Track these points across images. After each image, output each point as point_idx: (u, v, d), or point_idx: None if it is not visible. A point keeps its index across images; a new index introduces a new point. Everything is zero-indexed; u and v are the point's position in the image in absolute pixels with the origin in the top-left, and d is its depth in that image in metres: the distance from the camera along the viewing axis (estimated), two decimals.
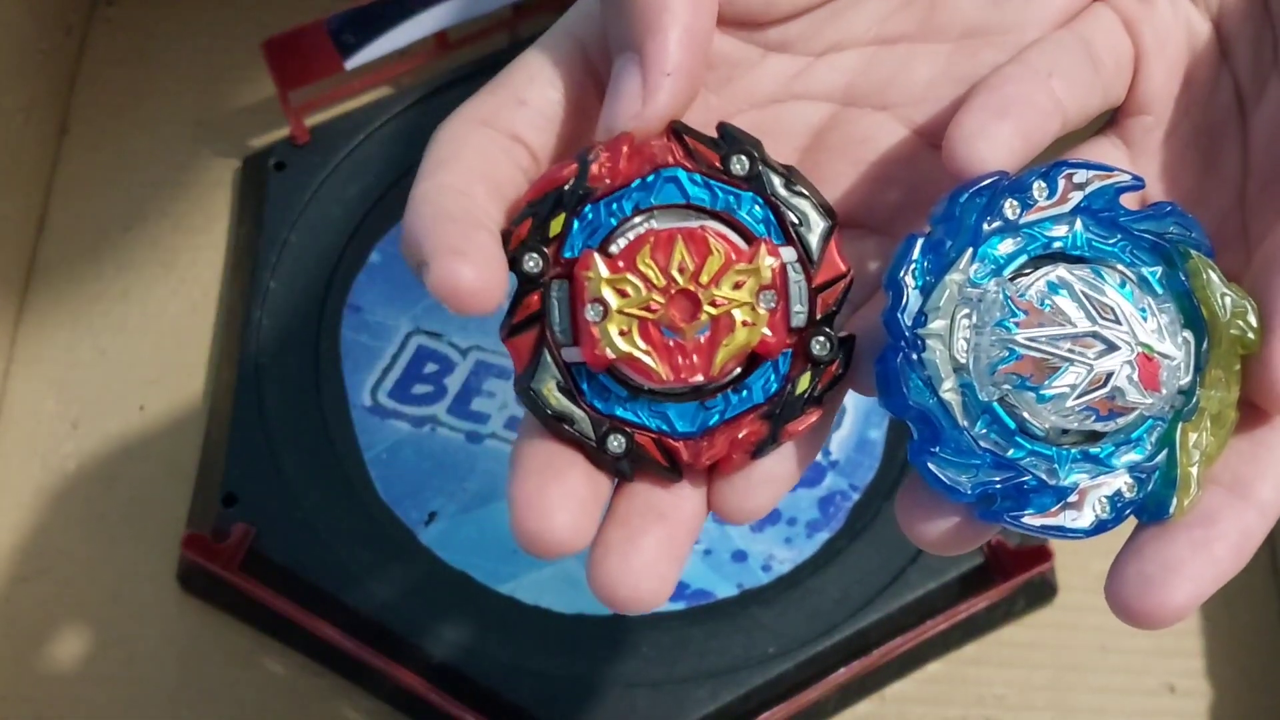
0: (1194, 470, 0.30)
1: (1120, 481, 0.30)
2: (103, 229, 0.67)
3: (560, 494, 0.29)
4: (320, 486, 0.58)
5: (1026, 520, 0.29)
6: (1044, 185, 0.31)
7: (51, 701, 0.57)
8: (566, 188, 0.30)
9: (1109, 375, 0.29)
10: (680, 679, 0.55)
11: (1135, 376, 0.30)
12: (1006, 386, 0.30)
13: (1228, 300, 0.30)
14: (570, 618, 0.56)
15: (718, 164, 0.30)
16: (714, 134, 0.31)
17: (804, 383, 0.30)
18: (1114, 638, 0.59)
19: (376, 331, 0.62)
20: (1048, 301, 0.30)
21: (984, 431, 0.30)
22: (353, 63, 0.65)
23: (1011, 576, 0.56)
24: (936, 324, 0.30)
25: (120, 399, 0.63)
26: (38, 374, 0.64)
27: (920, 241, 0.30)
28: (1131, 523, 0.30)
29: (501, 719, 0.54)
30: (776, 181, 0.30)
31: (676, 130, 0.30)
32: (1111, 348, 0.30)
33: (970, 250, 0.30)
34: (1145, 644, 0.59)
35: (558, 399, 0.30)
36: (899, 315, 0.29)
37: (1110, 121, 0.35)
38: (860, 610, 0.56)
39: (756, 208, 0.30)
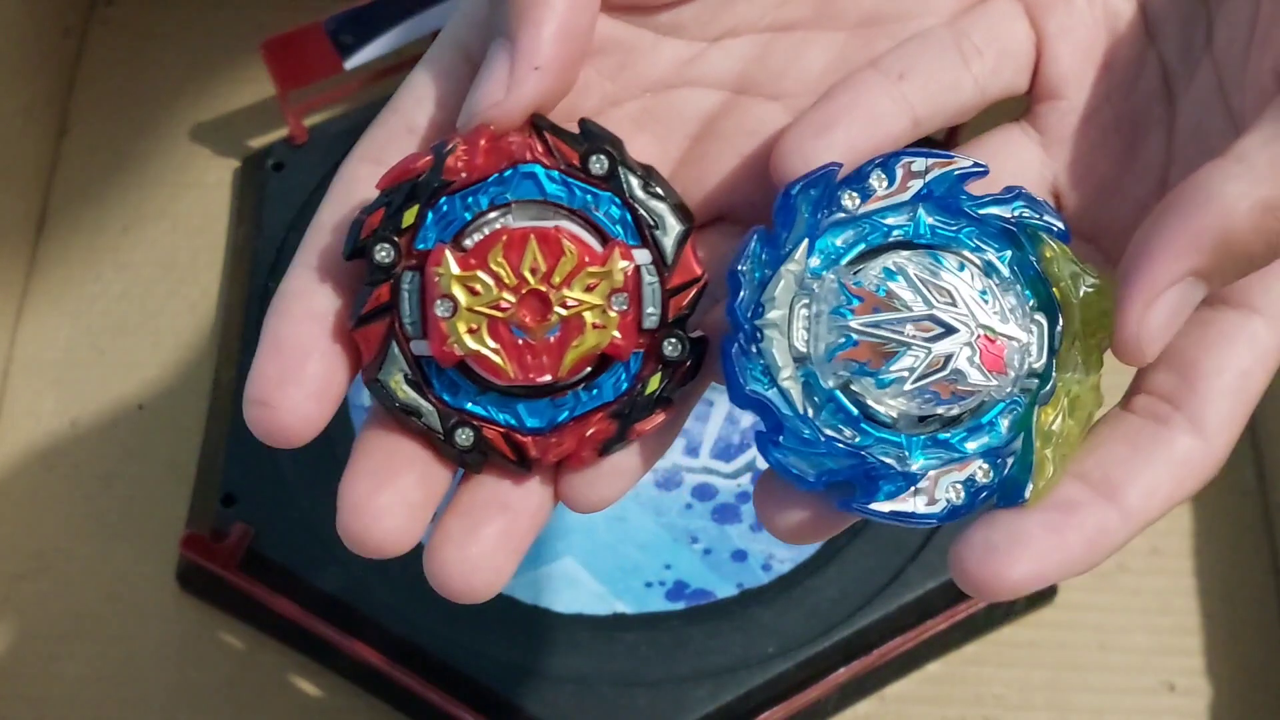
0: (1049, 453, 0.29)
1: (974, 467, 0.30)
2: (102, 229, 0.67)
3: (390, 499, 0.29)
4: (320, 486, 0.58)
5: (875, 508, 0.29)
6: (882, 175, 0.31)
7: (50, 701, 0.57)
8: (421, 178, 0.30)
9: (948, 358, 0.29)
10: (680, 679, 0.55)
11: (977, 359, 0.29)
12: (845, 373, 0.30)
13: (1081, 281, 0.30)
14: (570, 617, 0.56)
15: (577, 162, 0.30)
16: (584, 129, 0.31)
17: (654, 383, 0.31)
18: (1113, 636, 0.59)
19: None
20: (883, 287, 0.30)
21: (828, 419, 0.30)
22: (352, 63, 0.65)
23: None
24: (774, 314, 0.30)
25: (119, 398, 0.63)
26: (37, 374, 0.64)
27: (757, 234, 0.30)
28: None
29: (501, 718, 0.54)
30: (635, 183, 0.31)
31: (537, 125, 0.30)
32: (950, 330, 0.29)
33: (806, 242, 0.30)
34: (1145, 642, 0.59)
35: (405, 391, 0.30)
36: (737, 307, 0.30)
37: (1025, 109, 0.35)
38: (860, 610, 0.56)
39: (614, 208, 0.31)
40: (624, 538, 0.58)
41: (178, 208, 0.68)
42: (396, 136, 0.31)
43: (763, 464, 0.59)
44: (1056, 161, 0.34)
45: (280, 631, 0.57)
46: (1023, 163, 0.34)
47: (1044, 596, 0.59)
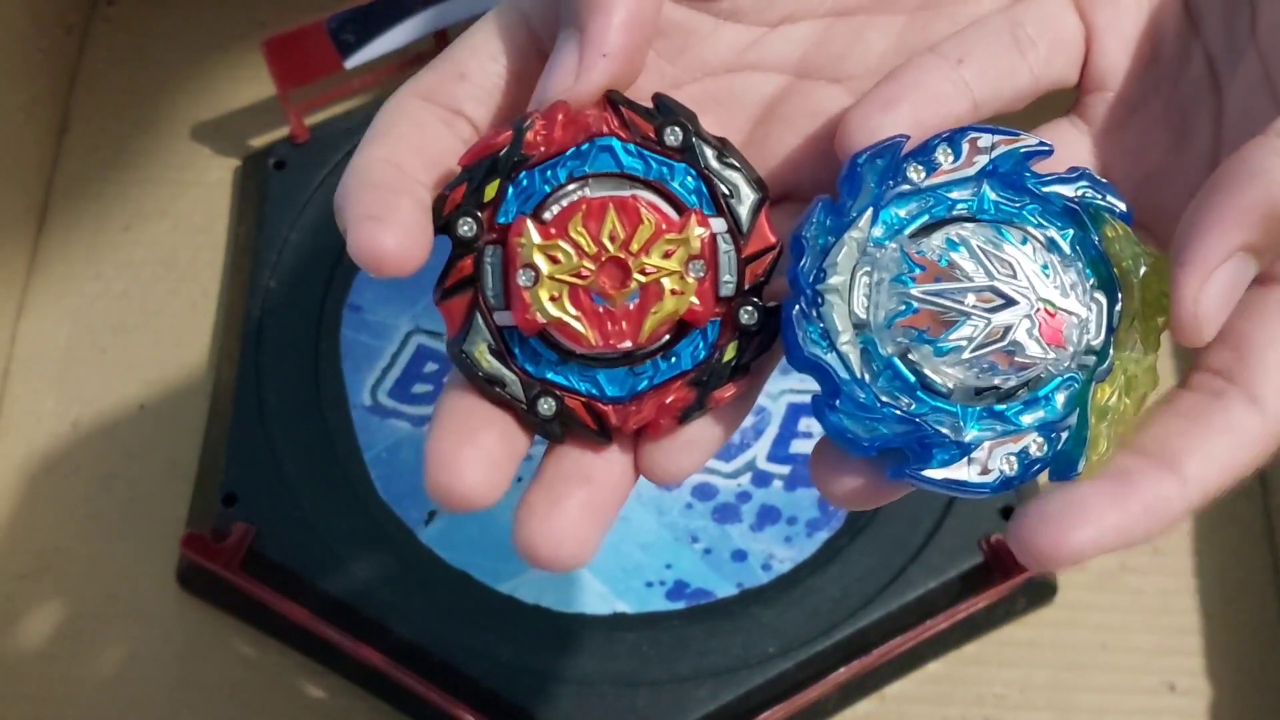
0: (1104, 429, 0.30)
1: (1029, 439, 0.30)
2: (102, 228, 0.67)
3: (474, 453, 0.30)
4: (320, 486, 0.58)
5: (928, 475, 0.29)
6: (948, 149, 0.31)
7: (51, 701, 0.57)
8: (501, 154, 0.30)
9: (1007, 329, 0.30)
10: (680, 678, 0.55)
11: (1036, 332, 0.30)
12: (904, 340, 0.30)
13: (1142, 262, 0.30)
14: (570, 617, 0.56)
15: (652, 135, 0.31)
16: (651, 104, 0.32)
17: (731, 351, 0.31)
18: (1114, 636, 0.59)
19: (376, 331, 0.62)
20: (946, 257, 0.30)
21: (885, 386, 0.30)
22: (352, 62, 0.65)
23: (1011, 575, 0.56)
24: (835, 279, 0.30)
25: (120, 398, 0.63)
26: (38, 373, 0.64)
27: (822, 202, 0.30)
28: None
29: (501, 718, 0.54)
30: (709, 153, 0.31)
31: (612, 100, 0.31)
32: (1010, 302, 0.30)
33: (870, 210, 0.31)
34: (1145, 642, 0.59)
35: (489, 362, 0.31)
36: (799, 271, 0.30)
37: (1073, 102, 0.35)
38: (860, 609, 0.56)
39: (689, 178, 0.31)
40: (625, 537, 0.58)
41: (179, 206, 0.68)
42: (447, 81, 0.32)
43: (763, 464, 0.59)
44: (1106, 153, 0.34)
45: (281, 631, 0.57)
46: (1073, 155, 0.34)
47: (1044, 596, 0.59)
